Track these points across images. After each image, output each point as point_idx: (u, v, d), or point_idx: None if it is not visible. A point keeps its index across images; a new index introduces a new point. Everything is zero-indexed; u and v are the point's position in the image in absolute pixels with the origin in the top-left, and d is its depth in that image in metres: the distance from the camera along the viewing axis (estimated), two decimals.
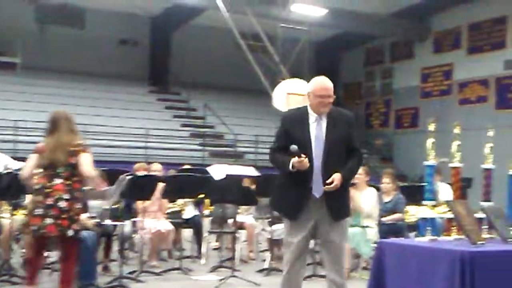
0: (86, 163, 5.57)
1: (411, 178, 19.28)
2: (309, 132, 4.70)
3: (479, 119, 19.44)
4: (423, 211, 3.78)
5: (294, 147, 4.49)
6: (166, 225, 8.40)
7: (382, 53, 25.85)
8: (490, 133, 3.97)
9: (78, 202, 5.60)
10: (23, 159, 6.32)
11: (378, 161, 24.59)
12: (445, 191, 8.08)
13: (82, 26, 22.77)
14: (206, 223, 9.82)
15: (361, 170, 8.17)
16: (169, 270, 7.95)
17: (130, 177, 6.87)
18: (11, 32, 20.85)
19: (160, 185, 8.11)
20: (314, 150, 4.63)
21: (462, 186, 12.06)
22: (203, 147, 20.96)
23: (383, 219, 8.36)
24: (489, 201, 3.93)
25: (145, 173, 8.60)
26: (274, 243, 8.64)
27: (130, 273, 7.48)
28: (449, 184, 6.04)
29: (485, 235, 3.72)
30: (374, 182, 9.72)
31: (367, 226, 7.92)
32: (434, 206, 3.87)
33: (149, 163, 10.05)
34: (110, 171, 8.74)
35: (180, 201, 9.01)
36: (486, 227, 3.84)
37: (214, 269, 8.16)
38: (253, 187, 8.77)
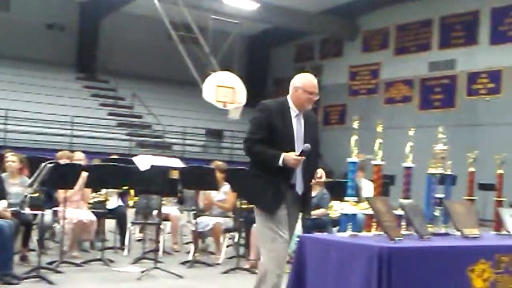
0: None
1: (337, 174, 19.63)
2: (292, 127, 4.62)
3: (403, 118, 19.96)
4: (345, 207, 3.84)
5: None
6: (88, 215, 8.23)
7: (312, 49, 26.14)
8: (411, 132, 4.07)
9: None
10: None
11: None
12: (368, 188, 8.25)
13: (7, 8, 22.00)
14: (131, 214, 9.70)
15: None
16: (90, 261, 7.79)
17: (51, 165, 6.67)
18: None
19: (84, 174, 7.94)
20: (296, 146, 4.55)
21: (385, 183, 12.35)
22: (130, 137, 20.68)
23: None
24: (408, 198, 4.01)
25: (67, 161, 8.40)
26: (198, 235, 8.61)
27: (49, 263, 7.28)
28: (371, 181, 6.17)
29: (403, 232, 3.81)
30: None
31: None
32: (357, 202, 3.93)
33: (73, 151, 9.84)
34: (33, 158, 8.52)
35: (104, 191, 8.86)
36: (405, 223, 3.93)
37: (136, 261, 8.06)
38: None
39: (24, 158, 8.06)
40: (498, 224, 4.49)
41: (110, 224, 9.33)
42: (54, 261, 7.40)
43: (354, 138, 3.82)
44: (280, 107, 4.67)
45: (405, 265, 3.31)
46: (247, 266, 7.94)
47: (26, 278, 6.52)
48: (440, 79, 21.44)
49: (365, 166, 8.03)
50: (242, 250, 8.76)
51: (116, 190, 8.95)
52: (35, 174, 6.61)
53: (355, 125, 3.86)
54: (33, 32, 22.36)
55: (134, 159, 7.98)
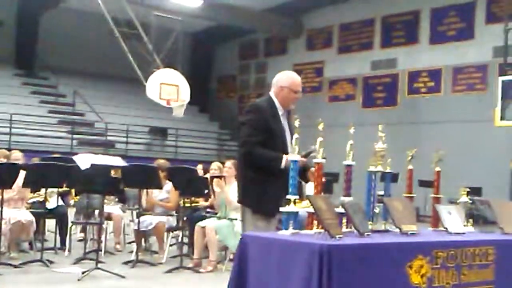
0: None
1: None
2: (282, 126, 4.58)
3: (347, 116, 20.24)
4: (288, 205, 3.84)
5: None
6: (26, 216, 8.04)
7: (256, 47, 26.21)
8: (351, 130, 4.11)
9: None
10: None
11: None
12: (310, 186, 8.31)
13: None
14: (72, 213, 9.53)
15: (230, 164, 8.26)
16: (29, 262, 7.63)
17: None
18: None
19: (22, 174, 7.75)
20: (288, 145, 4.53)
21: (329, 181, 12.48)
22: (71, 135, 20.30)
23: None
24: (349, 196, 4.05)
25: (4, 161, 8.18)
26: (141, 235, 8.53)
27: None
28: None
29: (344, 229, 3.84)
30: None
31: (234, 219, 7.99)
32: (299, 200, 3.95)
33: (11, 150, 9.59)
34: None
35: (43, 191, 8.67)
36: (345, 221, 3.97)
37: (77, 261, 7.93)
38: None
39: None
40: (436, 221, 4.58)
41: (51, 224, 9.14)
42: None
43: (295, 137, 3.84)
44: (270, 107, 4.64)
45: (345, 262, 3.34)
46: (190, 265, 7.91)
47: None
48: (382, 77, 21.81)
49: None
50: (185, 249, 8.72)
51: (56, 189, 8.78)
52: None
53: (296, 123, 3.87)
54: None
55: (74, 157, 7.83)
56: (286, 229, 3.73)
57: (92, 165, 7.26)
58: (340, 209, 3.88)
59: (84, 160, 7.44)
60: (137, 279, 7.21)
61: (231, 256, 8.26)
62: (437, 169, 4.73)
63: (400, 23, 21.44)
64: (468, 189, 4.73)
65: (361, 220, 3.83)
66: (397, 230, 4.06)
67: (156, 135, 22.93)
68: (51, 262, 7.75)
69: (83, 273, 7.05)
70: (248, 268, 3.69)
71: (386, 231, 4.19)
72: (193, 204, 9.25)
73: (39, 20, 23.16)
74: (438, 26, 20.40)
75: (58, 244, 8.90)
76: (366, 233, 3.74)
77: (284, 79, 4.74)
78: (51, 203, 8.93)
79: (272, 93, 4.76)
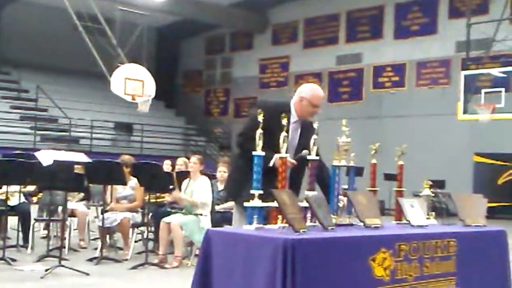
0: None
1: None
2: (287, 132, 4.54)
3: None
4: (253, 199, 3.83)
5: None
6: None
7: (222, 42, 26.15)
8: (315, 125, 4.12)
9: None
10: None
11: (216, 149, 24.91)
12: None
13: None
14: (35, 210, 9.39)
15: (195, 159, 8.22)
16: None
17: None
18: None
19: None
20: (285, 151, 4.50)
21: None
22: (34, 131, 20.00)
23: (217, 207, 8.46)
24: (313, 190, 4.06)
25: None
26: (106, 231, 8.44)
27: None
28: None
29: (308, 223, 3.85)
30: (212, 170, 9.81)
31: (200, 214, 7.97)
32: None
33: None
34: None
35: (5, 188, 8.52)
36: (310, 215, 3.98)
37: (40, 259, 7.80)
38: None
39: None
40: (399, 214, 4.63)
41: (13, 221, 8.99)
42: None
43: (259, 132, 3.83)
44: (280, 109, 4.49)
45: (309, 256, 3.35)
46: (156, 261, 7.85)
47: None
48: (347, 72, 21.97)
49: None
50: (151, 245, 8.66)
51: (18, 186, 8.64)
52: None
53: (260, 118, 3.86)
54: None
55: (36, 154, 7.71)
56: (251, 223, 3.72)
57: (54, 161, 7.14)
58: (304, 204, 3.89)
59: (46, 157, 7.32)
60: (102, 276, 7.14)
61: (197, 252, 8.22)
62: (400, 162, 4.77)
63: (364, 18, 21.60)
64: (431, 182, 4.78)
65: (325, 214, 3.84)
66: (361, 223, 4.09)
67: (121, 131, 22.73)
68: (13, 260, 7.61)
69: (46, 270, 6.94)
70: (212, 263, 3.68)
71: (350, 225, 4.22)
72: (158, 200, 9.18)
73: (1, 14, 22.75)
74: (402, 21, 20.61)
75: (21, 242, 8.76)
76: (330, 227, 3.76)
77: (306, 91, 4.72)
78: (13, 200, 8.78)
79: (292, 101, 4.75)
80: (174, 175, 8.95)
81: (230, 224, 7.57)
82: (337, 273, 3.48)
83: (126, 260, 8.13)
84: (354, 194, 4.21)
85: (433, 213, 4.67)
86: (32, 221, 8.93)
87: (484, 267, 4.39)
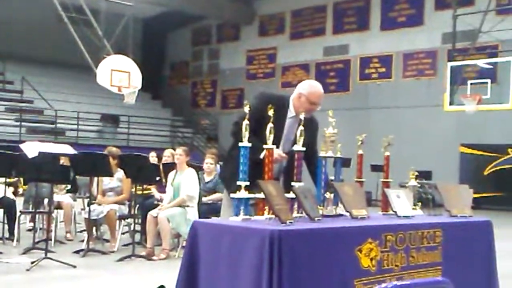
0: None
1: None
2: (283, 127, 4.52)
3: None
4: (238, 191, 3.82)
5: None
6: None
7: (209, 33, 26.07)
8: (301, 116, 4.11)
9: None
10: None
11: (203, 141, 24.88)
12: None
13: None
14: (21, 202, 9.34)
15: (180, 151, 8.19)
16: None
17: None
18: None
19: None
20: (281, 147, 4.48)
21: None
22: (20, 123, 19.86)
23: (204, 199, 8.45)
24: (300, 181, 4.05)
25: None
26: (93, 223, 8.40)
27: None
28: None
29: (294, 214, 3.84)
30: (199, 162, 9.79)
31: (187, 206, 7.95)
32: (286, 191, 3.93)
33: None
34: None
35: None
36: (296, 206, 3.97)
37: (26, 251, 7.76)
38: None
39: None
40: (385, 205, 4.63)
41: None
42: None
43: (245, 123, 3.81)
44: (280, 104, 4.52)
45: (295, 247, 3.34)
46: (143, 253, 7.83)
47: None
48: (334, 63, 21.98)
49: None
50: (138, 237, 8.63)
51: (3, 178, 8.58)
52: None
53: (246, 109, 3.84)
54: None
55: (21, 146, 7.64)
56: (237, 215, 3.71)
57: (40, 153, 7.09)
58: (291, 195, 3.89)
59: (31, 148, 7.27)
60: (88, 268, 7.11)
61: (184, 243, 8.20)
62: (387, 153, 4.77)
63: (351, 9, 21.60)
64: (417, 173, 4.79)
65: (312, 205, 3.84)
66: (348, 214, 4.09)
67: (107, 122, 22.63)
68: None
69: (32, 263, 6.90)
70: (199, 255, 3.66)
71: (337, 215, 4.22)
72: (144, 192, 9.15)
73: None
74: (388, 12, 20.63)
75: (6, 234, 8.71)
76: (316, 218, 3.76)
77: (304, 87, 4.67)
78: None
79: (292, 96, 4.72)
80: (161, 166, 8.93)
81: (217, 215, 7.55)
82: (324, 264, 3.48)
83: (113, 252, 8.11)
84: (341, 185, 4.21)
85: (419, 203, 4.68)
86: (18, 214, 8.88)
87: (470, 257, 4.41)
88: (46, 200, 8.71)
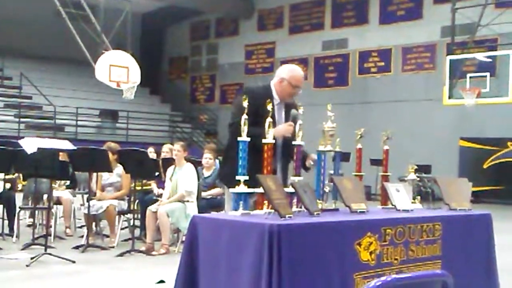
0: None
1: None
2: (274, 115, 4.51)
3: (298, 96, 20.26)
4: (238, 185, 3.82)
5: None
6: None
7: (208, 28, 26.02)
8: (301, 110, 4.10)
9: None
10: None
11: (202, 136, 24.87)
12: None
13: None
14: (20, 198, 9.33)
15: (178, 147, 8.18)
16: None
17: None
18: None
19: None
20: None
21: None
22: (19, 118, 19.84)
23: (203, 193, 8.45)
24: (299, 175, 4.05)
25: None
26: (92, 218, 8.40)
27: None
28: None
29: (294, 209, 3.84)
30: (198, 157, 9.79)
31: (187, 201, 7.95)
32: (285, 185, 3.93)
33: None
34: None
35: None
36: (296, 201, 3.97)
37: (26, 247, 7.76)
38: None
39: None
40: (385, 198, 4.64)
41: None
42: None
43: (244, 117, 3.81)
44: (264, 94, 4.57)
45: (295, 241, 3.34)
46: (143, 249, 7.83)
47: None
48: (333, 58, 21.95)
49: None
50: (137, 232, 8.64)
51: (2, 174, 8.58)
52: None
53: (245, 104, 3.84)
54: None
55: (20, 141, 7.64)
56: (236, 209, 3.71)
57: (38, 149, 7.08)
58: (290, 189, 3.88)
59: (30, 144, 7.26)
60: (88, 264, 7.11)
61: (184, 238, 8.22)
62: (386, 147, 4.77)
63: (350, 3, 21.56)
64: (416, 167, 4.79)
65: (311, 200, 3.83)
66: (347, 208, 4.09)
67: (106, 118, 22.62)
68: None
69: (32, 258, 6.91)
70: (198, 249, 3.66)
71: (336, 210, 4.22)
72: (144, 187, 9.15)
73: None
74: (387, 6, 20.59)
75: (6, 230, 8.71)
76: (316, 212, 3.75)
77: (285, 72, 4.71)
78: None
79: (272, 82, 4.73)
80: (160, 162, 8.92)
81: (217, 210, 7.59)
82: (323, 258, 3.48)
83: (113, 247, 8.11)
84: (340, 180, 4.21)
85: (419, 197, 4.68)
86: (17, 209, 8.88)
87: (470, 250, 4.41)
88: (45, 196, 8.71)
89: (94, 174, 8.54)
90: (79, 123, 20.92)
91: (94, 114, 22.09)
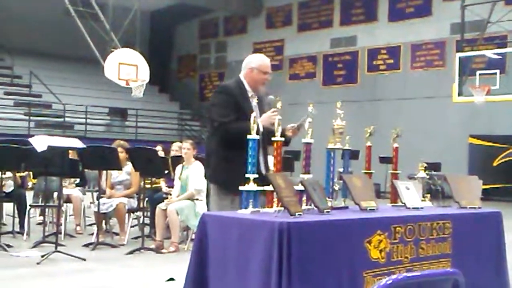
0: None
1: None
2: (252, 107, 4.58)
3: (307, 94, 20.28)
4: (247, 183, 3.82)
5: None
6: None
7: (216, 26, 26.02)
8: (310, 108, 4.09)
9: None
10: None
11: None
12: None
13: None
14: (31, 196, 9.37)
15: (188, 145, 8.20)
16: None
17: None
18: None
19: None
20: (260, 125, 4.52)
21: (289, 159, 12.46)
22: (29, 117, 19.92)
23: None
24: (308, 173, 4.05)
25: None
26: (102, 216, 8.43)
27: None
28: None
29: (303, 207, 3.84)
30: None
31: (196, 199, 7.97)
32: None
33: None
34: None
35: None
36: (305, 199, 3.97)
37: (36, 245, 7.80)
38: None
39: None
40: (394, 196, 4.63)
41: (8, 207, 8.98)
42: None
43: (253, 115, 3.81)
44: (239, 88, 4.66)
45: (305, 239, 3.34)
46: (152, 246, 7.86)
47: None
48: (342, 55, 21.89)
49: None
50: (147, 230, 8.66)
51: (13, 172, 8.62)
52: None
53: (254, 102, 3.84)
54: None
55: (30, 139, 7.68)
56: (246, 208, 3.71)
57: (49, 147, 7.11)
58: (300, 187, 3.88)
59: (40, 142, 7.29)
60: (98, 262, 7.14)
61: (193, 236, 8.23)
62: (395, 145, 4.76)
63: (359, 0, 21.50)
64: (426, 165, 4.78)
65: (321, 197, 3.83)
66: (356, 206, 4.08)
67: (115, 116, 22.66)
68: (9, 246, 7.62)
69: (42, 256, 6.95)
70: (208, 247, 3.67)
71: (346, 207, 4.21)
72: (153, 185, 9.17)
73: None
74: (396, 3, 20.52)
75: (17, 228, 8.75)
76: (325, 210, 3.75)
77: (253, 61, 4.77)
78: (9, 186, 8.77)
79: (241, 75, 4.75)
80: (170, 160, 8.94)
81: None
82: (333, 256, 3.48)
83: (123, 245, 8.14)
84: (349, 177, 4.20)
85: (429, 195, 4.68)
86: (28, 207, 8.92)
87: (480, 248, 4.40)
88: (55, 194, 8.75)
89: (104, 172, 8.57)
90: (89, 121, 20.98)
91: (104, 112, 22.15)
